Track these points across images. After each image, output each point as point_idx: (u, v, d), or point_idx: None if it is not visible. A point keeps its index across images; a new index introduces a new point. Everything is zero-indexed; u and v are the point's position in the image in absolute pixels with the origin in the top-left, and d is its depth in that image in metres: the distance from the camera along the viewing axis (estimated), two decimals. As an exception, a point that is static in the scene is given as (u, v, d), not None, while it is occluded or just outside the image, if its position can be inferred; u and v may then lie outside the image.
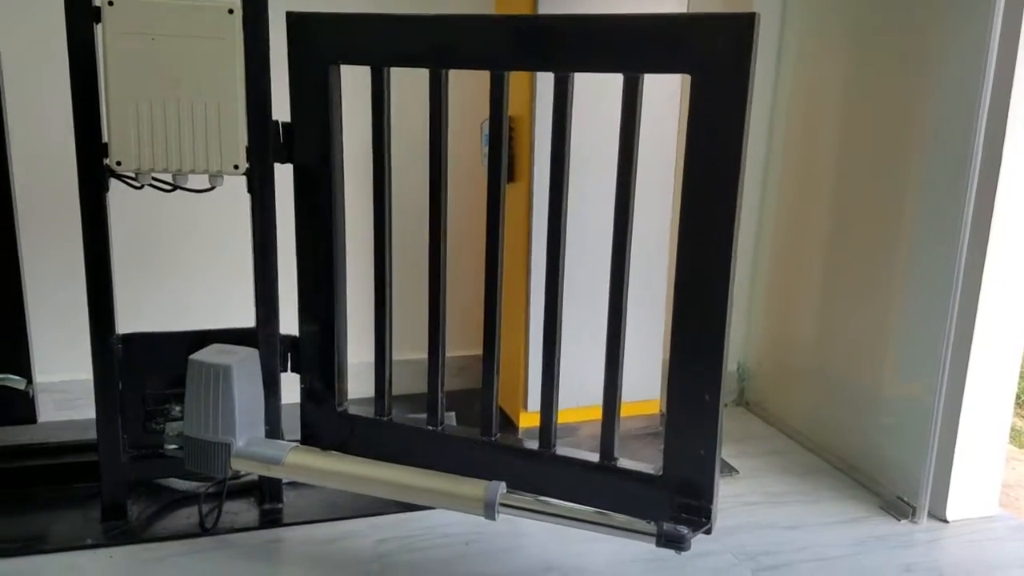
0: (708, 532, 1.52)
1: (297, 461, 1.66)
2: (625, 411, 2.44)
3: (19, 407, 1.96)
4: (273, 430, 1.86)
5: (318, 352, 1.85)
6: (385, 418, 1.81)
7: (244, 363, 1.70)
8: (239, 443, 1.68)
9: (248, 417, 1.70)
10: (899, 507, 1.99)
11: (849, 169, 2.22)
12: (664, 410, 1.63)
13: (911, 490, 1.98)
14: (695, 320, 1.52)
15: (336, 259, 1.80)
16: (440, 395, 1.77)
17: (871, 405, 2.15)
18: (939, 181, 1.91)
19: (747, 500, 2.05)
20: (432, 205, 1.69)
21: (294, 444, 1.72)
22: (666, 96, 2.27)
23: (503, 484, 1.58)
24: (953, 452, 1.92)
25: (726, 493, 2.08)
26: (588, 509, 1.60)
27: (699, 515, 1.54)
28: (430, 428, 1.77)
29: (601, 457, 1.64)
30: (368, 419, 1.83)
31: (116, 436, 1.78)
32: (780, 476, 2.19)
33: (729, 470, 2.21)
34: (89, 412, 1.82)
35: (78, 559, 1.70)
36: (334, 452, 1.74)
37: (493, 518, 1.53)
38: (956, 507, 1.96)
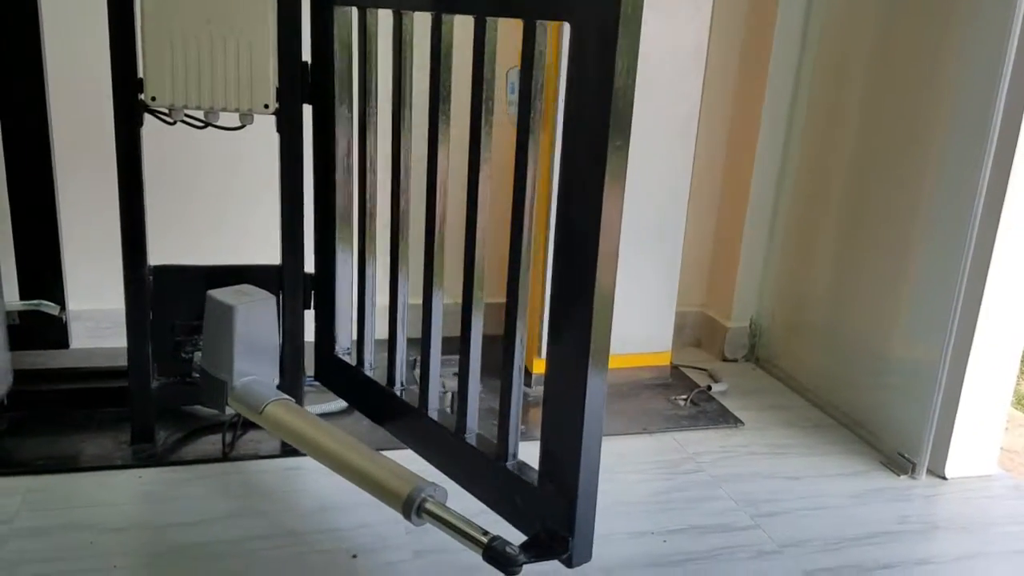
0: (568, 565, 1.32)
1: (271, 413, 1.62)
2: (636, 362, 2.52)
3: (52, 332, 2.03)
4: (294, 369, 1.93)
5: (324, 294, 1.91)
6: (363, 370, 1.83)
7: (252, 306, 1.69)
8: (236, 384, 1.68)
9: (249, 360, 1.69)
10: (900, 463, 2.05)
11: (872, 131, 2.23)
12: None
13: (912, 447, 2.03)
14: (567, 321, 1.27)
15: (339, 203, 1.84)
16: (400, 354, 1.73)
17: (879, 364, 2.19)
18: (960, 147, 1.93)
19: (751, 450, 2.11)
20: (394, 152, 1.67)
21: (283, 397, 1.66)
22: (691, 50, 2.28)
23: (433, 489, 1.37)
24: (956, 412, 1.96)
25: (731, 443, 2.14)
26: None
27: (557, 544, 1.32)
28: (386, 388, 1.74)
29: (496, 455, 1.47)
30: (352, 368, 1.86)
31: (146, 363, 1.85)
32: (785, 429, 2.25)
33: (735, 422, 2.27)
34: (119, 340, 1.89)
35: (108, 478, 1.79)
36: (304, 411, 1.67)
37: (410, 520, 1.37)
38: (955, 465, 2.01)
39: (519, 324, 1.40)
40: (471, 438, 1.53)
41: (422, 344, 1.62)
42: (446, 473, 1.57)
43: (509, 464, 1.44)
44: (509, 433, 1.43)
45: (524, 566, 1.25)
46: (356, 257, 1.83)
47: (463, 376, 1.53)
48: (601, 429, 1.28)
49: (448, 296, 1.61)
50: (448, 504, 1.38)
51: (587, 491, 1.29)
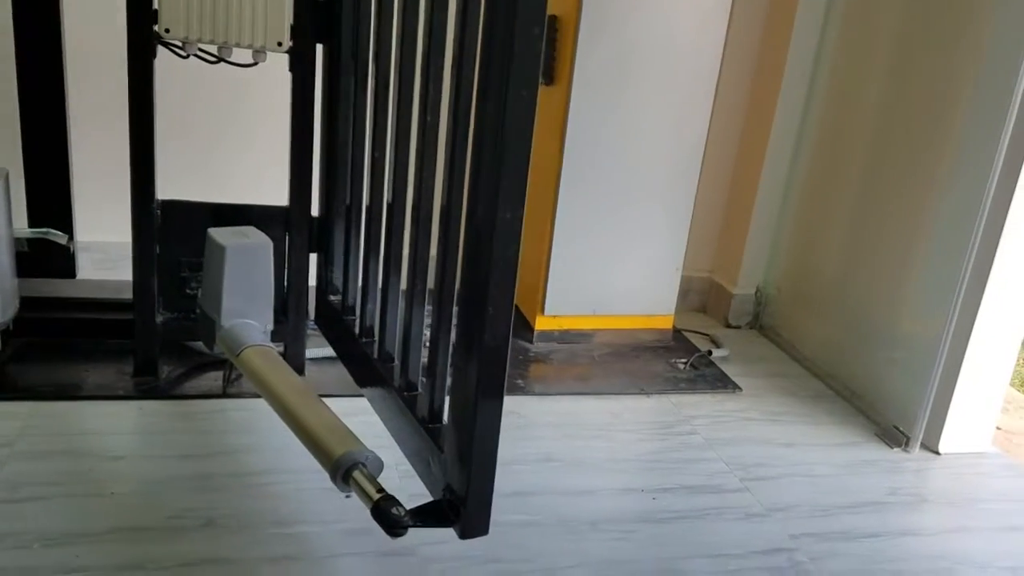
0: (460, 536, 1.26)
1: (245, 359, 1.60)
2: (639, 323, 2.53)
3: (59, 262, 2.05)
4: (297, 312, 1.94)
5: (326, 239, 1.91)
6: (346, 317, 1.81)
7: (246, 248, 1.68)
8: (224, 324, 1.68)
9: (241, 302, 1.69)
10: (894, 436, 2.06)
11: (892, 105, 2.20)
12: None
13: (908, 420, 2.04)
14: (469, 281, 1.17)
15: (341, 146, 1.82)
16: (361, 299, 1.70)
17: (882, 338, 2.19)
18: (977, 128, 1.91)
19: (747, 416, 2.12)
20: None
21: (263, 344, 1.64)
22: (713, 8, 2.25)
23: (366, 458, 1.31)
24: (953, 388, 1.97)
25: (727, 408, 2.15)
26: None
27: (452, 512, 1.26)
28: (357, 336, 1.72)
29: (421, 417, 1.41)
30: (337, 313, 1.86)
31: (151, 297, 1.87)
32: (783, 398, 2.26)
33: (733, 387, 2.28)
34: (125, 273, 1.91)
35: (110, 408, 1.81)
36: (278, 360, 1.61)
37: (336, 485, 1.32)
38: (949, 441, 2.02)
39: (448, 277, 1.30)
40: (408, 395, 1.47)
41: (380, 295, 1.59)
42: (387, 427, 1.54)
43: (432, 426, 1.37)
44: (434, 394, 1.37)
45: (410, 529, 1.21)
46: (349, 203, 1.83)
47: (406, 332, 1.47)
48: (499, 396, 1.18)
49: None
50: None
51: (483, 461, 1.20)
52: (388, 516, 1.20)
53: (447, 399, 1.31)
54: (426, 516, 1.25)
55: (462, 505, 1.22)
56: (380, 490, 1.25)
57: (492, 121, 1.07)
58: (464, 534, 1.23)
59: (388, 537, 1.21)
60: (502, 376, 1.17)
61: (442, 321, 1.31)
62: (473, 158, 1.14)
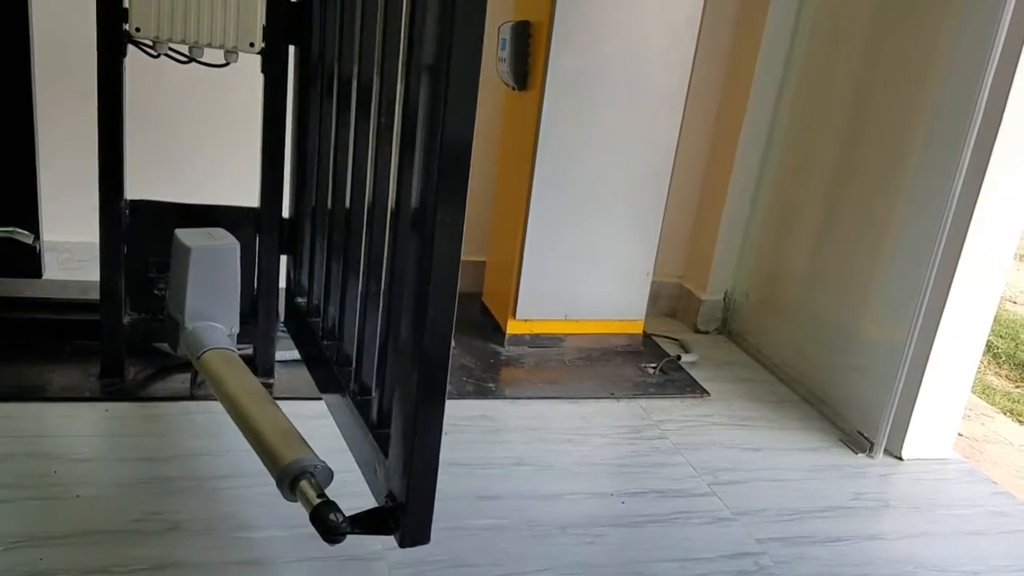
0: (400, 544, 1.23)
1: (205, 361, 1.59)
2: (610, 328, 2.54)
3: (25, 261, 2.01)
4: (267, 314, 1.93)
5: (296, 241, 1.90)
6: (310, 319, 1.80)
7: (212, 250, 1.67)
8: (188, 326, 1.66)
9: (206, 304, 1.68)
10: (858, 441, 2.08)
11: (858, 118, 2.23)
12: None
13: (872, 426, 2.07)
14: (412, 287, 1.15)
15: (310, 149, 1.81)
16: (324, 301, 1.70)
17: (847, 345, 2.22)
18: (940, 141, 1.94)
19: (714, 421, 2.14)
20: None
21: (225, 347, 1.63)
22: (684, 20, 2.27)
23: (314, 466, 1.27)
24: (916, 395, 2.00)
25: (696, 413, 2.17)
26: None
27: (392, 520, 1.23)
28: (319, 339, 1.71)
29: (370, 423, 1.39)
30: (302, 314, 1.85)
31: (118, 298, 1.84)
32: (750, 403, 2.28)
33: (701, 392, 2.29)
34: (92, 274, 1.89)
35: (76, 409, 1.79)
36: (239, 364, 1.60)
37: (281, 493, 1.29)
38: (912, 446, 2.05)
39: (396, 280, 1.27)
40: (361, 399, 1.44)
41: (340, 297, 1.58)
42: (341, 433, 1.52)
43: (380, 431, 1.33)
44: (382, 401, 1.33)
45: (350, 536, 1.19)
46: (315, 204, 1.81)
47: (360, 337, 1.45)
48: (441, 401, 1.15)
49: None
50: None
51: (424, 467, 1.17)
52: (326, 522, 1.17)
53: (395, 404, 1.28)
54: (366, 523, 1.22)
55: (402, 513, 1.19)
56: (321, 495, 1.22)
57: (436, 123, 1.06)
58: (404, 542, 1.21)
59: (361, 542, 1.20)
60: (443, 381, 1.15)
61: (391, 325, 1.28)
62: (420, 161, 1.13)
